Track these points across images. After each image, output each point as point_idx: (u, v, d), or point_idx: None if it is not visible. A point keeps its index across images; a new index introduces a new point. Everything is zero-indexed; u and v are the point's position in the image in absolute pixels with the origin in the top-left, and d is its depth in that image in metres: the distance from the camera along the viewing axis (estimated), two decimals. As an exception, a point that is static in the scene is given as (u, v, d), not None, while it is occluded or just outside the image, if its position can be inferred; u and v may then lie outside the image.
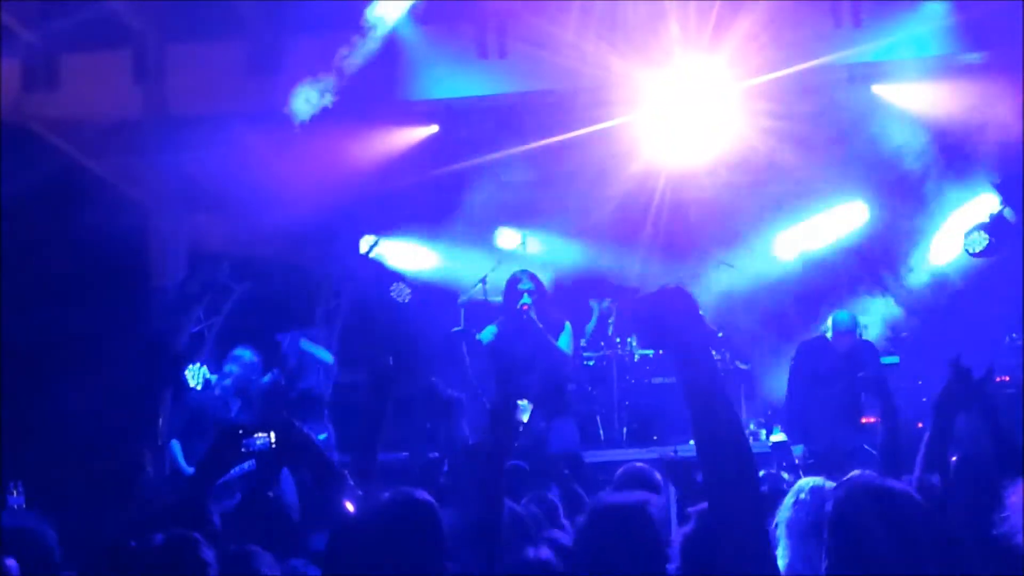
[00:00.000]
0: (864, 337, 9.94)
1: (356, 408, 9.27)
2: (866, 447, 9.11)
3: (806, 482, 4.76)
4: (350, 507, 3.57)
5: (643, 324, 3.09)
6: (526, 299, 8.27)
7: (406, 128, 10.45)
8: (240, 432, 3.99)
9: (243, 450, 3.82)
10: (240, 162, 9.21)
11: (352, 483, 3.63)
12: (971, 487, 4.18)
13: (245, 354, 8.57)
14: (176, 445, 8.30)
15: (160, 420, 8.91)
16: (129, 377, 8.56)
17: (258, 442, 3.96)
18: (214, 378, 8.74)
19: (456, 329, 9.51)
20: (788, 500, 4.62)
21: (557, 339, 8.40)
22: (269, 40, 10.07)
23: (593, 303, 10.51)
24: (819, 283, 10.66)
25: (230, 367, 8.50)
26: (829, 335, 9.41)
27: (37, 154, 9.61)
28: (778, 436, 9.29)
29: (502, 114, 9.95)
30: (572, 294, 10.32)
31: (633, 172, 9.78)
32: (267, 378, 8.83)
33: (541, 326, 8.28)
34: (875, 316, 10.77)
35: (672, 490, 6.92)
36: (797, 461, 8.97)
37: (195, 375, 8.96)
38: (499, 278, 10.29)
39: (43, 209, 9.19)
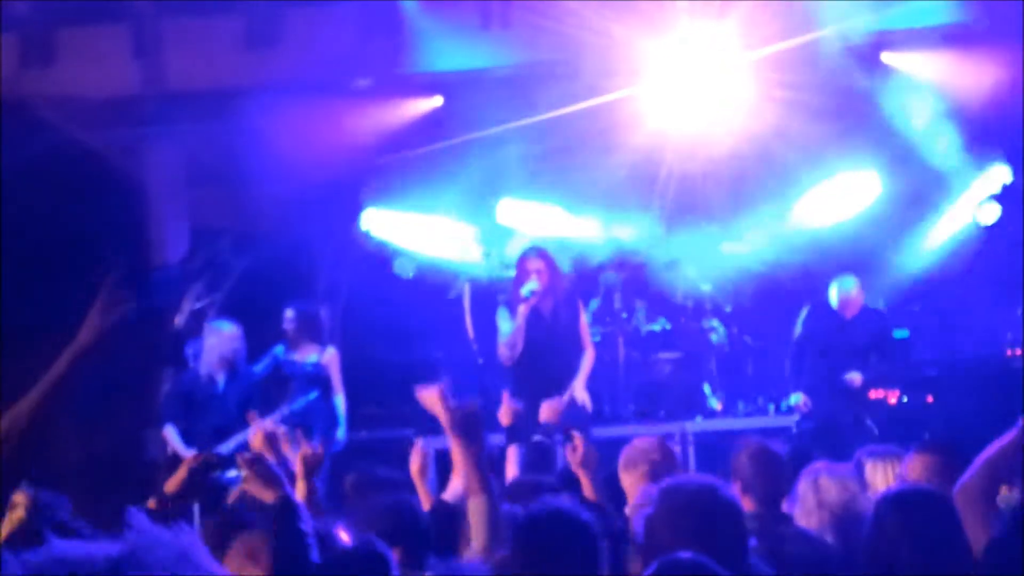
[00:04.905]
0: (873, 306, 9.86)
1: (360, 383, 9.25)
2: (868, 422, 9.01)
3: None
4: (344, 536, 3.53)
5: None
6: (533, 283, 7.98)
7: (409, 100, 10.30)
8: (213, 465, 4.05)
9: (213, 484, 3.83)
10: (240, 136, 9.10)
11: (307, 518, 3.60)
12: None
13: (224, 326, 8.49)
14: (172, 429, 8.21)
15: (160, 400, 8.83)
16: (129, 356, 8.45)
17: (230, 475, 3.96)
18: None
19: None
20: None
21: (572, 319, 8.17)
22: (267, 13, 9.94)
23: (602, 277, 10.36)
24: (831, 255, 10.54)
25: (210, 340, 8.42)
26: (835, 303, 9.35)
27: (34, 130, 9.48)
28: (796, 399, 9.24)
29: (507, 85, 9.79)
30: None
31: (640, 143, 9.63)
32: (268, 360, 8.75)
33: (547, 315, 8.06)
34: (884, 289, 10.67)
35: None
36: (804, 408, 8.96)
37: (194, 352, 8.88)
38: (504, 253, 10.20)
39: (41, 185, 9.07)
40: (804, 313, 9.56)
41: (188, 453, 7.99)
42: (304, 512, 3.62)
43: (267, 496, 3.68)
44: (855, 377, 9.15)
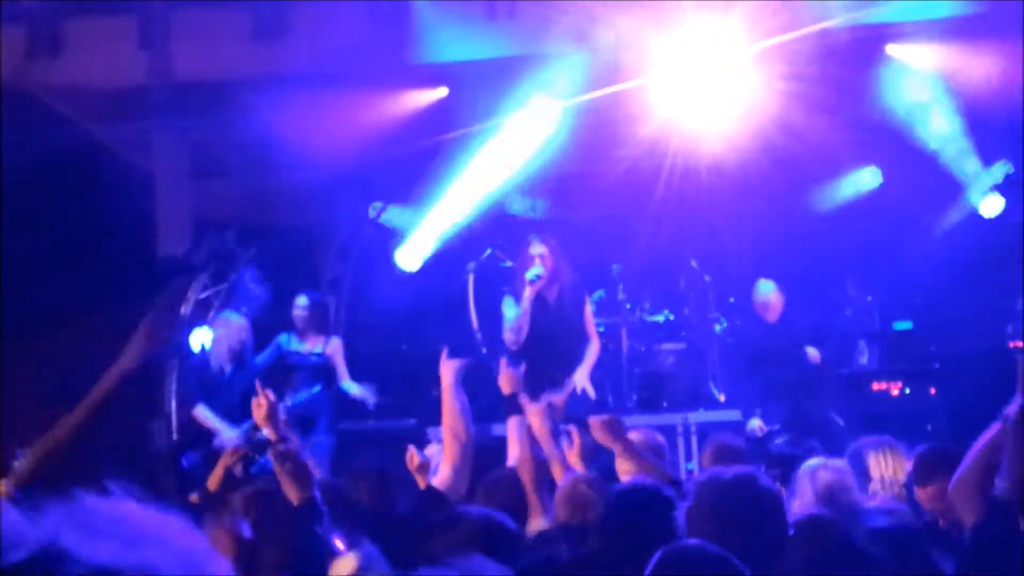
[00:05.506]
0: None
1: (365, 373, 9.30)
2: (834, 417, 8.98)
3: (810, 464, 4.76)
4: (340, 545, 3.60)
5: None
6: (538, 268, 8.04)
7: (414, 92, 10.33)
8: (249, 459, 4.17)
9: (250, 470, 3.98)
10: (246, 128, 9.13)
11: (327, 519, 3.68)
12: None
13: (231, 317, 8.54)
14: (204, 408, 8.26)
15: (165, 391, 8.87)
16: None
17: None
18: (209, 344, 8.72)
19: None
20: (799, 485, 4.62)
21: (577, 306, 8.21)
22: (274, 5, 9.96)
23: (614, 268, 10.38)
24: (834, 247, 10.57)
25: (219, 331, 8.48)
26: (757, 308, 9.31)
27: (41, 121, 9.52)
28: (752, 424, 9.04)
29: (511, 77, 9.80)
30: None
31: (644, 136, 9.65)
32: (271, 349, 8.80)
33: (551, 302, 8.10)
34: (887, 281, 10.71)
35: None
36: (759, 433, 8.75)
37: (199, 341, 8.93)
38: (509, 243, 10.22)
39: (47, 177, 9.12)
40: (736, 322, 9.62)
41: (224, 428, 8.05)
42: (325, 518, 3.67)
43: (294, 494, 3.71)
44: (813, 354, 9.04)
